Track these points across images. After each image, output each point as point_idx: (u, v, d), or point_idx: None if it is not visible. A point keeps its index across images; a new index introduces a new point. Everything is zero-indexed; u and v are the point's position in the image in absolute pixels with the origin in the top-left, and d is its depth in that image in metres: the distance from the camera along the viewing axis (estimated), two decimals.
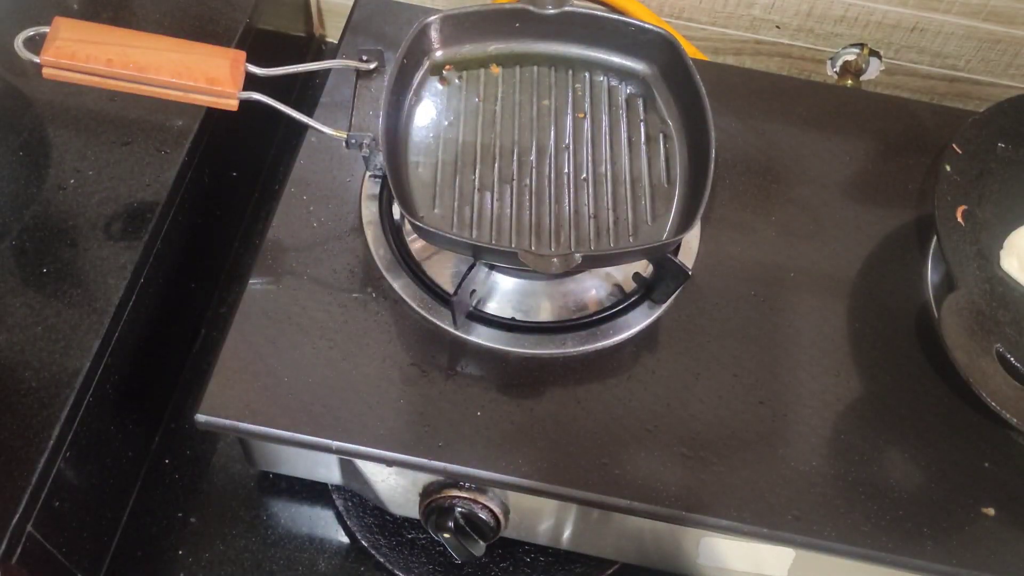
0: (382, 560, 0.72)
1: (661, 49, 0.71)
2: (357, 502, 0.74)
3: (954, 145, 0.69)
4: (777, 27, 0.89)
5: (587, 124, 0.70)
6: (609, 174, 0.68)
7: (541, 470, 0.59)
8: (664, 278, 0.64)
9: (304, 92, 0.94)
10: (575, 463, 0.60)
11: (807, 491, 0.60)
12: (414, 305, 0.65)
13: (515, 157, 0.68)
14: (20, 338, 0.60)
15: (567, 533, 0.68)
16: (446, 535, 0.62)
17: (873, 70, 0.91)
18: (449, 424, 0.61)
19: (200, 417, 0.59)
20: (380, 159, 0.64)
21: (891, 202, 0.74)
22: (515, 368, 0.64)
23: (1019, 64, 0.88)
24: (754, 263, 0.70)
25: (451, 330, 0.64)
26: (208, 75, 0.61)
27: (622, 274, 0.67)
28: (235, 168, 0.85)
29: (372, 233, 0.68)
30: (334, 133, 0.65)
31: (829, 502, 0.60)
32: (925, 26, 0.86)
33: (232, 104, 0.63)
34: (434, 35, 0.70)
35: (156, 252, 0.68)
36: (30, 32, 0.60)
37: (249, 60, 0.63)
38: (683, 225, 0.65)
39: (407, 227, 0.68)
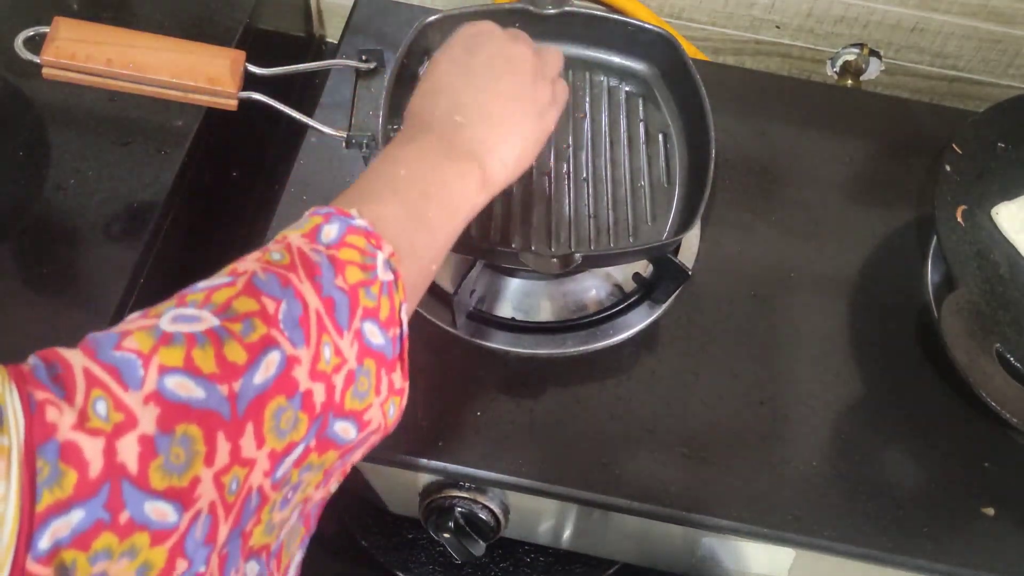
0: (382, 560, 0.72)
1: (661, 49, 0.71)
2: (357, 502, 0.74)
3: (954, 145, 0.69)
4: (777, 27, 0.89)
5: (587, 124, 0.70)
6: (609, 174, 0.68)
7: (541, 470, 0.59)
8: (664, 278, 0.64)
9: (304, 92, 0.94)
10: (575, 463, 0.60)
11: (807, 491, 0.60)
12: None
13: None
14: (20, 338, 0.60)
15: (567, 533, 0.68)
16: (446, 535, 0.62)
17: (873, 70, 0.91)
18: (449, 424, 0.61)
19: None
20: None
21: (891, 202, 0.74)
22: (515, 368, 0.64)
23: (1019, 64, 0.88)
24: (754, 263, 0.70)
25: (451, 330, 0.64)
26: (208, 75, 0.61)
27: (622, 274, 0.67)
28: (235, 168, 0.84)
29: None
30: (334, 133, 0.64)
31: (829, 502, 0.60)
32: (925, 26, 0.86)
33: (232, 104, 0.63)
34: (434, 35, 0.70)
35: (156, 252, 0.67)
36: (30, 32, 0.60)
37: (249, 60, 0.63)
38: (683, 225, 0.65)
39: None
